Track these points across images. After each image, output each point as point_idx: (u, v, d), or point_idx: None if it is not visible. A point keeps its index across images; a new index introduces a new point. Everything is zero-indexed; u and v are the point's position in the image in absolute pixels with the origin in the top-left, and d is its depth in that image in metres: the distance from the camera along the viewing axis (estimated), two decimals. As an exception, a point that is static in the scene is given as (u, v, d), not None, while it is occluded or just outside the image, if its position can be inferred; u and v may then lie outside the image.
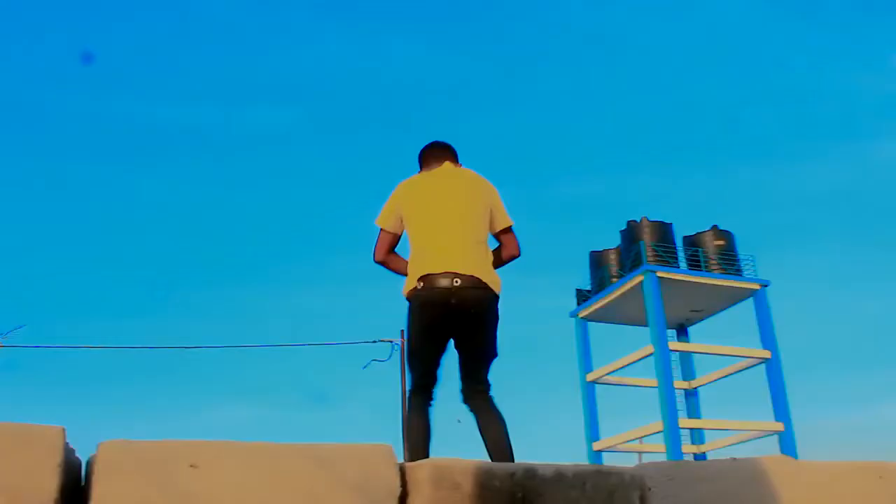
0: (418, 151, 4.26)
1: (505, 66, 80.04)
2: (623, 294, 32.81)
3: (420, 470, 2.47)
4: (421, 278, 3.81)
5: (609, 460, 34.09)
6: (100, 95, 73.42)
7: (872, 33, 79.14)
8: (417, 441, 3.72)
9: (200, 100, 79.54)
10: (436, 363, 3.89)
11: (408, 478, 2.46)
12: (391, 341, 25.70)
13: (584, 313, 35.00)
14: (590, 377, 33.86)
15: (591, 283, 35.19)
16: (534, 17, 78.15)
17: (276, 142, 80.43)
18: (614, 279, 33.70)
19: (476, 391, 3.85)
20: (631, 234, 33.53)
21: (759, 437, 32.02)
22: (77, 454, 2.23)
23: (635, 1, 77.41)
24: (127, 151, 77.38)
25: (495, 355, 3.93)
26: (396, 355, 25.61)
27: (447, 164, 4.14)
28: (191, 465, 2.14)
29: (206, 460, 2.17)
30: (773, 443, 31.01)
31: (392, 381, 27.31)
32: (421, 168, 4.23)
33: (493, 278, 3.89)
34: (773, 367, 31.36)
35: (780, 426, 30.50)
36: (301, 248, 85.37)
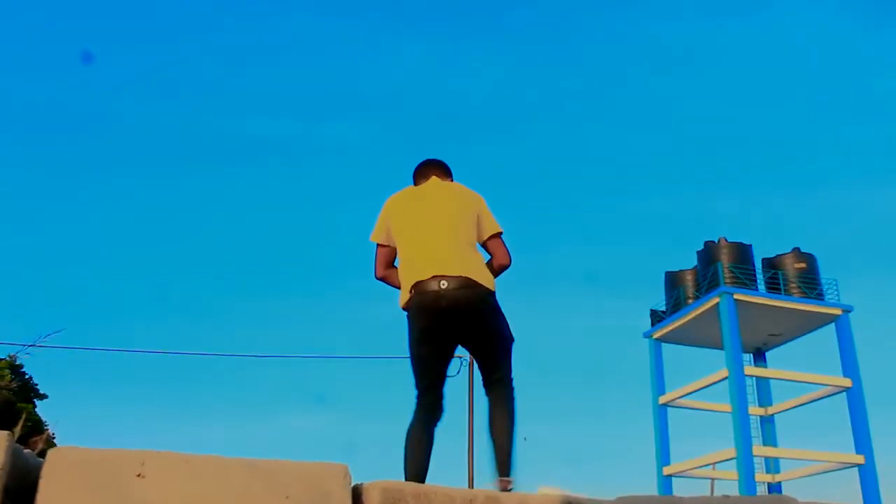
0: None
1: (584, 82, 79.50)
2: (699, 316, 32.12)
3: (373, 491, 2.45)
4: (412, 287, 3.84)
5: (679, 486, 33.37)
6: (193, 107, 75.44)
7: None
8: (414, 457, 3.67)
9: (283, 112, 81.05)
10: (437, 372, 3.89)
11: (363, 499, 2.44)
12: (460, 357, 25.66)
13: (658, 334, 34.38)
14: (662, 399, 33.18)
15: (667, 304, 34.56)
16: (612, 32, 77.53)
17: (355, 153, 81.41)
18: (690, 300, 33.04)
19: (491, 381, 3.93)
20: (708, 254, 32.84)
21: (838, 469, 30.90)
22: (35, 459, 2.27)
23: (715, 14, 76.13)
24: (218, 161, 79.31)
25: (508, 341, 3.95)
26: (465, 371, 25.53)
27: (434, 179, 4.17)
28: (137, 475, 2.16)
29: (153, 470, 2.19)
30: (853, 475, 29.92)
31: (460, 397, 27.23)
32: (414, 185, 4.29)
33: (485, 276, 3.88)
34: (854, 397, 30.25)
35: (860, 458, 29.36)
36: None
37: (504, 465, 3.67)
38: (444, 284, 3.74)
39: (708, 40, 77.92)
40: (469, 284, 3.77)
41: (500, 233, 4.06)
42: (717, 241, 32.78)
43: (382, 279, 4.11)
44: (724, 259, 31.79)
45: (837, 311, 31.63)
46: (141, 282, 71.87)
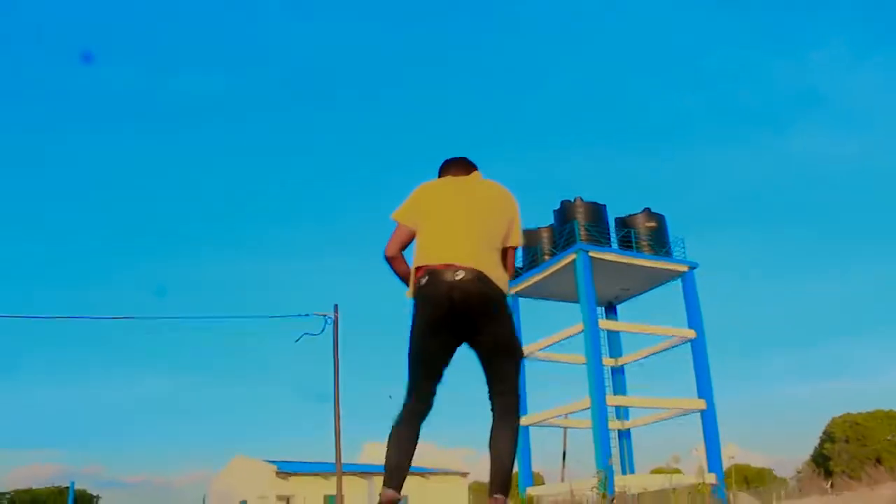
0: (440, 165, 4.12)
1: (441, 44, 79.68)
2: (555, 272, 33.15)
3: None
4: (422, 270, 3.63)
5: (536, 435, 34.65)
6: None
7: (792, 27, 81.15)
8: (400, 454, 3.51)
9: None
10: (436, 370, 3.64)
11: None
12: (325, 315, 25.60)
13: (515, 289, 35.22)
14: (520, 353, 34.04)
15: (524, 260, 35.44)
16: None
17: (213, 110, 78.83)
18: (547, 257, 34.05)
19: (496, 392, 3.67)
20: (564, 213, 33.84)
21: (682, 415, 32.84)
22: None
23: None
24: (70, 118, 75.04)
25: (518, 355, 3.73)
26: (329, 329, 25.51)
27: (477, 174, 4.03)
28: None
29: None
30: (695, 419, 31.90)
31: (324, 356, 27.20)
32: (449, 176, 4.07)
33: (501, 276, 3.69)
34: (698, 347, 32.16)
35: (702, 404, 31.31)
36: (239, 217, 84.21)
37: (501, 483, 3.50)
38: (458, 275, 3.51)
39: (563, 11, 79.49)
40: (485, 280, 3.56)
41: (518, 246, 3.90)
42: (573, 201, 33.77)
43: (390, 259, 3.87)
44: (580, 218, 32.85)
45: (684, 268, 33.40)
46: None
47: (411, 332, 3.61)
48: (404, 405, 3.59)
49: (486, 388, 3.69)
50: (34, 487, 49.18)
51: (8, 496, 48.05)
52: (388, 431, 3.55)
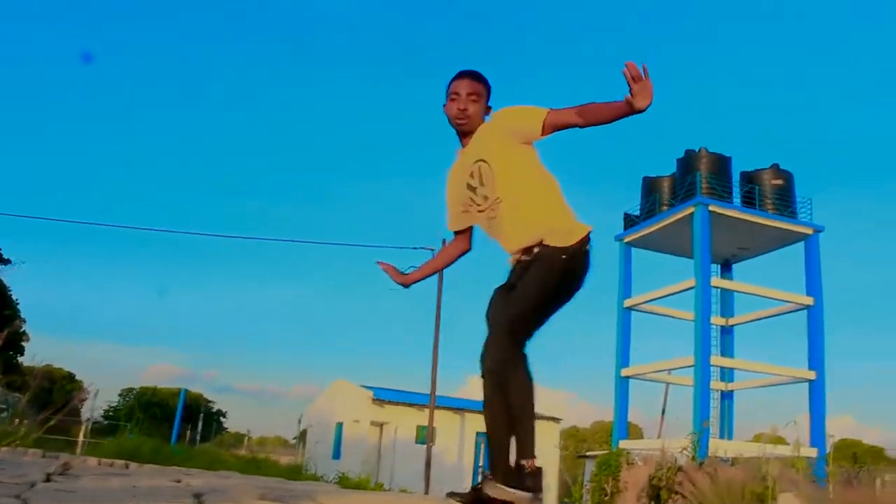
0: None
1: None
2: (672, 224, 32.17)
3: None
4: (586, 238, 3.41)
5: (636, 388, 34.13)
6: None
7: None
8: (530, 400, 3.32)
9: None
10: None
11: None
12: (431, 249, 25.57)
13: (629, 238, 34.47)
14: (627, 303, 33.54)
15: (641, 209, 34.53)
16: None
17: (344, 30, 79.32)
18: (665, 207, 33.04)
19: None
20: (688, 163, 32.66)
21: (789, 383, 31.70)
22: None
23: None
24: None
25: None
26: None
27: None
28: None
29: None
30: (802, 389, 30.72)
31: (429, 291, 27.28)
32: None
33: None
34: (814, 315, 30.78)
35: (812, 374, 30.10)
36: (353, 148, 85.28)
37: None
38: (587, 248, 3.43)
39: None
40: None
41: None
42: (697, 151, 32.54)
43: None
44: (703, 169, 31.67)
45: (809, 231, 31.84)
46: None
47: (545, 284, 3.34)
48: (516, 354, 3.32)
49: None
50: (159, 387, 51.86)
51: (135, 391, 51.17)
52: (529, 378, 3.34)
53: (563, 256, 3.32)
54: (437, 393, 26.01)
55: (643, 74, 2.86)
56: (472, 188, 3.56)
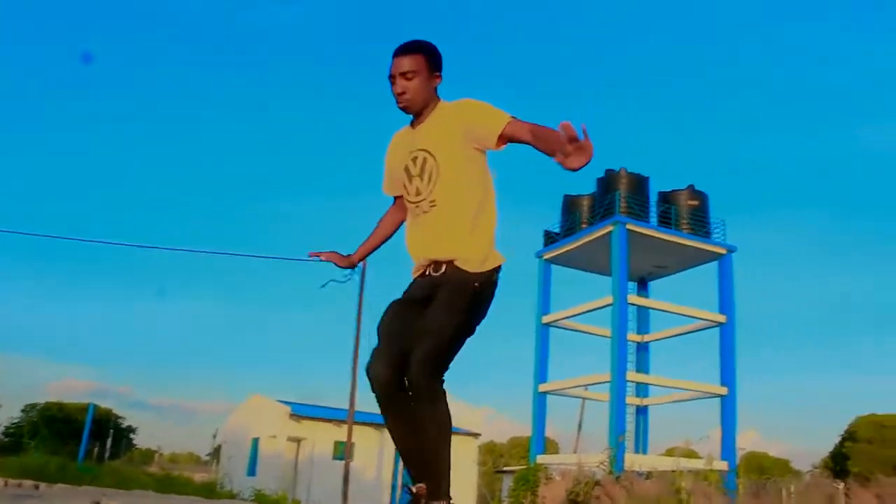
0: (438, 53, 3.30)
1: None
2: (591, 241, 32.68)
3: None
4: (498, 268, 3.25)
5: (553, 403, 34.50)
6: None
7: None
8: (448, 437, 3.11)
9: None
10: None
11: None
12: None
13: (549, 255, 34.89)
14: (546, 319, 33.91)
15: (561, 227, 34.99)
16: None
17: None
18: (584, 225, 33.57)
19: None
20: (608, 182, 33.24)
21: (701, 398, 32.47)
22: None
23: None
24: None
25: None
26: (356, 277, 25.33)
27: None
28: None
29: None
30: (714, 404, 31.50)
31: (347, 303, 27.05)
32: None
33: None
34: (726, 333, 31.67)
35: (724, 390, 30.90)
36: (281, 160, 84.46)
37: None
38: None
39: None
40: None
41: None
42: (617, 171, 33.14)
43: None
44: (622, 189, 32.27)
45: (722, 251, 32.74)
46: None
47: (472, 316, 3.18)
48: (440, 386, 3.09)
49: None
50: (66, 402, 50.12)
51: (39, 407, 49.27)
52: (449, 415, 3.10)
53: (476, 283, 3.15)
54: (356, 408, 25.79)
55: (581, 135, 2.49)
56: (409, 174, 3.28)
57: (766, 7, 79.04)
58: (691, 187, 33.56)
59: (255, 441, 34.85)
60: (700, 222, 32.89)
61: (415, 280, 3.32)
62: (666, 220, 32.70)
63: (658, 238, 31.92)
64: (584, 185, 35.00)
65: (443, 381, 3.09)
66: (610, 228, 31.50)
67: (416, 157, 3.24)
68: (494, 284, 3.23)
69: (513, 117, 3.01)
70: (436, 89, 3.25)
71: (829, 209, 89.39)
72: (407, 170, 3.28)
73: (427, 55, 3.22)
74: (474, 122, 3.10)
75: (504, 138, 3.02)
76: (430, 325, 3.08)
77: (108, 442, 32.36)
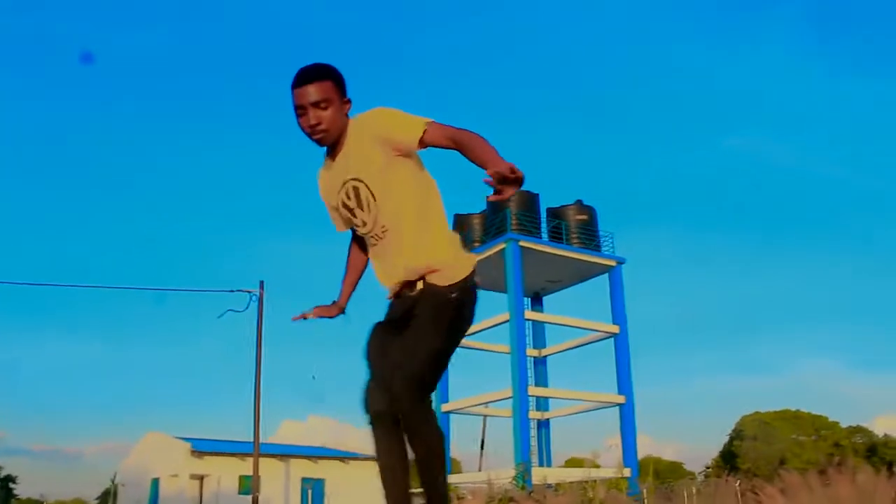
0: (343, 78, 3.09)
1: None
2: (484, 259, 32.89)
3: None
4: (474, 270, 3.15)
5: (457, 422, 34.65)
6: None
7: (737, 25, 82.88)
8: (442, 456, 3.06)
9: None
10: None
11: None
12: (249, 292, 24.99)
13: (442, 275, 34.97)
14: (444, 339, 33.91)
15: (452, 246, 35.14)
16: None
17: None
18: (477, 244, 33.86)
19: None
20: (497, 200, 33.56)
21: (601, 408, 33.20)
22: None
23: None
24: None
25: None
26: (254, 306, 24.93)
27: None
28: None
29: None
30: (614, 413, 32.28)
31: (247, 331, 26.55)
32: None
33: None
34: (620, 343, 32.54)
35: (621, 399, 31.69)
36: (171, 186, 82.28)
37: None
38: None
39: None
40: None
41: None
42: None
43: None
44: (513, 206, 32.76)
45: (612, 263, 33.66)
46: None
47: (453, 331, 3.08)
48: (427, 406, 3.04)
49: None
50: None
51: None
52: (441, 433, 3.07)
53: (453, 294, 3.03)
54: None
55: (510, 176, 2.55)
56: (349, 209, 3.12)
57: (645, 26, 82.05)
58: (579, 202, 34.40)
59: (156, 481, 33.69)
60: (589, 236, 33.72)
61: (392, 302, 3.20)
62: (557, 235, 33.38)
63: (550, 253, 32.53)
64: (474, 203, 35.44)
65: (430, 401, 3.04)
66: (503, 245, 31.91)
67: (348, 192, 3.09)
68: (474, 289, 3.13)
69: (430, 121, 2.88)
70: (347, 115, 3.04)
71: (702, 217, 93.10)
72: (345, 205, 3.13)
73: (335, 81, 3.01)
74: (391, 131, 2.93)
75: (423, 144, 2.89)
76: (407, 347, 2.98)
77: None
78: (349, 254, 3.43)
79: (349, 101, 3.03)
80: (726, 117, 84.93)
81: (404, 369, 2.94)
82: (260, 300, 25.00)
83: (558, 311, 35.40)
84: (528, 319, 33.40)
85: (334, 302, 3.41)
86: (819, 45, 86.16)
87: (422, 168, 3.09)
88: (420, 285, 3.07)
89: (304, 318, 3.36)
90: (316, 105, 2.94)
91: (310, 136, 3.00)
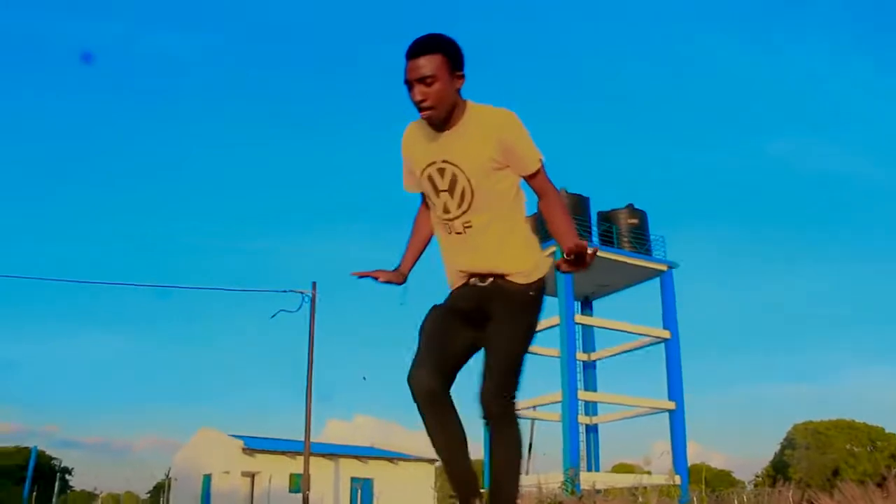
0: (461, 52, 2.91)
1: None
2: (535, 263, 32.94)
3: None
4: (546, 273, 3.09)
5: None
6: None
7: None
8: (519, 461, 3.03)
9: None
10: None
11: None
12: (302, 292, 25.27)
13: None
14: (494, 342, 33.99)
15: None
16: None
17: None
18: (527, 247, 33.86)
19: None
20: (548, 204, 33.59)
21: (651, 413, 32.96)
22: None
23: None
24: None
25: None
26: (306, 307, 25.19)
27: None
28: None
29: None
30: (664, 419, 32.02)
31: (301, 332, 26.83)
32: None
33: None
34: (671, 348, 32.25)
35: (672, 405, 31.43)
36: (223, 187, 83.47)
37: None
38: None
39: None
40: None
41: None
42: (558, 192, 33.54)
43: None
44: (564, 210, 32.63)
45: (663, 267, 33.41)
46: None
47: (532, 331, 3.05)
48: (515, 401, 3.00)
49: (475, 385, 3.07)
50: (-3, 445, 48.25)
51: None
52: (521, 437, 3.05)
53: (531, 293, 2.98)
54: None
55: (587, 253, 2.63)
56: (434, 186, 2.97)
57: (691, 28, 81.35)
58: (630, 206, 34.24)
59: (207, 478, 34.23)
60: (640, 240, 33.54)
61: (457, 289, 3.08)
62: (607, 239, 33.26)
63: (600, 257, 32.35)
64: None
65: (515, 401, 2.98)
66: (553, 249, 31.75)
67: (442, 170, 2.92)
68: (544, 290, 3.05)
69: (543, 159, 2.89)
70: (459, 91, 2.87)
71: (752, 221, 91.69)
72: (431, 180, 2.97)
73: (446, 54, 2.82)
74: (516, 145, 2.85)
75: (530, 176, 2.89)
76: (498, 347, 2.94)
77: (56, 485, 31.50)
78: (417, 219, 3.28)
79: (462, 77, 2.86)
80: (772, 119, 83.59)
81: (496, 372, 2.92)
82: (312, 301, 25.31)
83: (609, 315, 35.22)
84: (578, 323, 33.28)
85: (396, 268, 3.24)
86: (861, 43, 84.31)
87: (519, 188, 3.00)
88: (494, 279, 2.98)
89: (367, 277, 3.18)
90: (422, 80, 2.79)
91: (420, 112, 2.87)
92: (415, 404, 2.91)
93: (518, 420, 3.03)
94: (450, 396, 2.95)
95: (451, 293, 3.10)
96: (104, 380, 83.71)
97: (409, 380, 2.89)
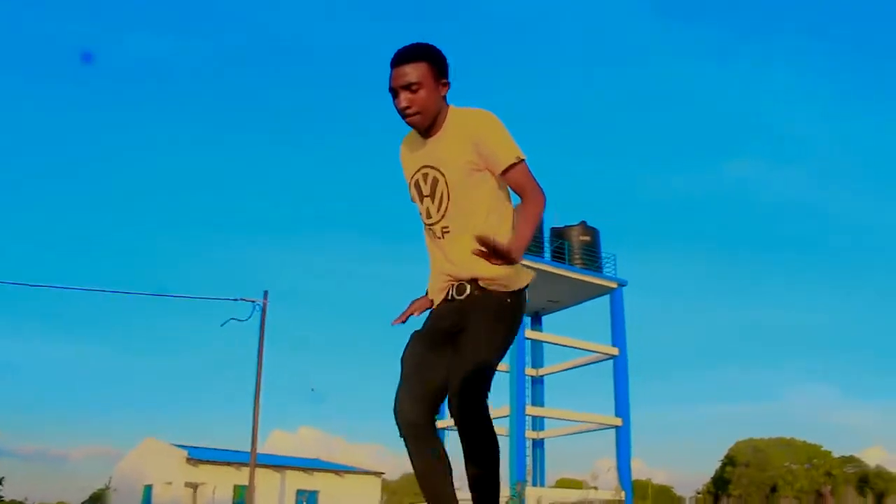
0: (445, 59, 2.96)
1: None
2: (486, 278, 33.08)
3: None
4: (528, 284, 3.02)
5: (453, 439, 34.60)
6: None
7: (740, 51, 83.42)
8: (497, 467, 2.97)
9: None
10: None
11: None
12: (253, 301, 25.09)
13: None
14: (442, 355, 34.04)
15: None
16: None
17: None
18: (479, 261, 34.00)
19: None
20: (501, 219, 33.79)
21: (597, 430, 33.25)
22: None
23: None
24: None
25: None
26: (257, 316, 25.02)
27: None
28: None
29: None
30: (610, 435, 32.33)
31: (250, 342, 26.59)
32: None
33: None
34: (619, 364, 32.60)
35: (618, 421, 31.74)
36: (171, 193, 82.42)
37: None
38: None
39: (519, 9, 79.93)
40: None
41: None
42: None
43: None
44: (516, 225, 32.83)
45: (613, 285, 33.80)
46: None
47: (507, 339, 2.96)
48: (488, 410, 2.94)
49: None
50: None
51: None
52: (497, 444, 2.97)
53: (508, 301, 2.92)
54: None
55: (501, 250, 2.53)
56: (420, 192, 3.00)
57: (651, 48, 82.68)
58: (583, 223, 34.57)
59: (148, 488, 33.64)
60: (592, 257, 33.88)
61: (436, 308, 3.05)
62: (559, 255, 33.53)
63: (551, 273, 32.62)
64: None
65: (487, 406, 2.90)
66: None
67: (426, 174, 2.96)
68: (524, 300, 3.01)
69: (523, 157, 2.85)
70: (445, 98, 2.90)
71: (703, 243, 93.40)
72: (417, 186, 3.00)
73: (431, 62, 2.87)
74: (488, 141, 2.84)
75: (506, 173, 2.83)
76: (469, 353, 2.86)
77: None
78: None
79: (447, 84, 2.90)
80: (729, 142, 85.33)
81: (466, 377, 2.83)
82: (263, 310, 25.12)
83: (558, 330, 35.57)
84: (528, 338, 33.48)
85: (425, 294, 3.17)
86: (824, 70, 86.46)
87: (502, 188, 2.95)
88: (470, 289, 2.93)
89: (405, 321, 3.12)
90: (407, 88, 2.83)
91: (403, 118, 2.90)
92: (400, 437, 2.91)
93: (492, 426, 2.96)
94: (433, 426, 2.94)
95: (429, 314, 3.08)
96: (44, 387, 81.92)
97: (395, 413, 2.89)
